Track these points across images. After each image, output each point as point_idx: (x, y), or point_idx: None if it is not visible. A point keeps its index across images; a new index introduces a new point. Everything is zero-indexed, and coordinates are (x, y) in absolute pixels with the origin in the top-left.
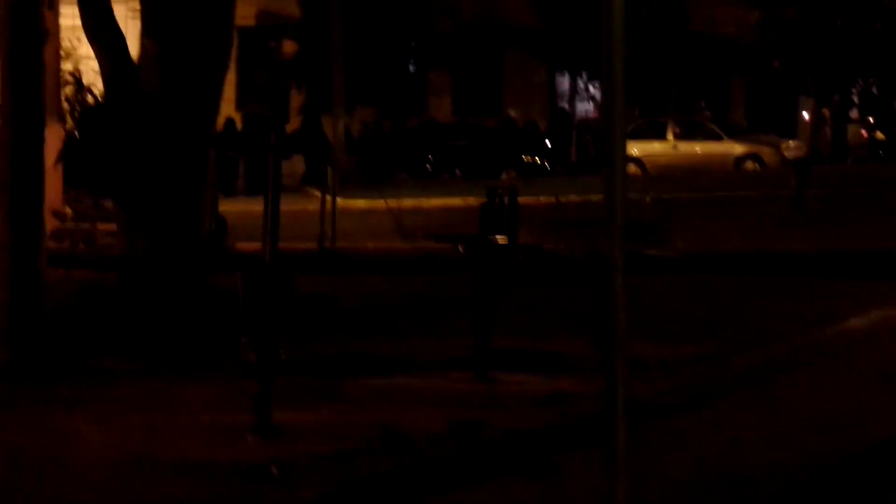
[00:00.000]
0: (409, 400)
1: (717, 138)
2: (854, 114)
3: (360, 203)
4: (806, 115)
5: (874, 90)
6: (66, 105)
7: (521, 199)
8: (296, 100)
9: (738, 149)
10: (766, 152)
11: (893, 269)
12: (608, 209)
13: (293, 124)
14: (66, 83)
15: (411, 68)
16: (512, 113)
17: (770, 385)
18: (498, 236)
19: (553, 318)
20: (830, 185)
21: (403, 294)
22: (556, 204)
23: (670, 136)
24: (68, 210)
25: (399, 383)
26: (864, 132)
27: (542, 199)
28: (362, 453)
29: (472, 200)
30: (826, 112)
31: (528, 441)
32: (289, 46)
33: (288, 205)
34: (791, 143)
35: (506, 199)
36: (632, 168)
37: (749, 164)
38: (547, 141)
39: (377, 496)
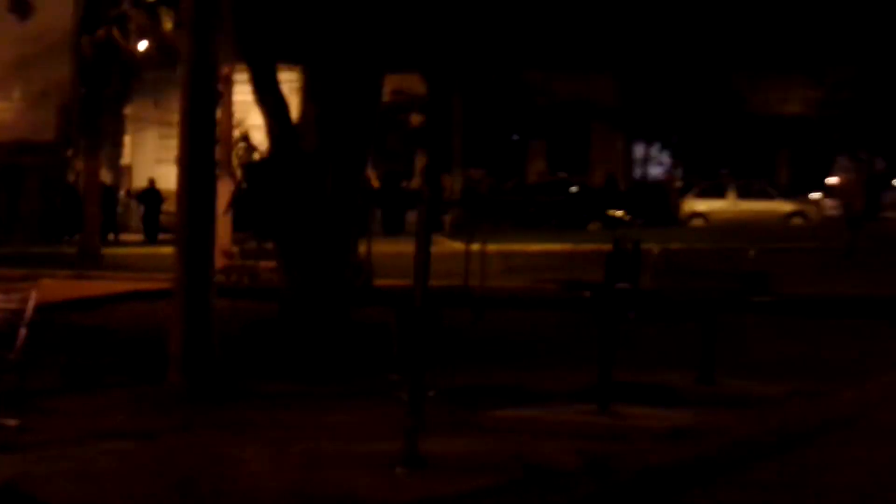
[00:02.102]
0: (539, 431)
1: (770, 197)
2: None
3: (473, 247)
4: (834, 179)
5: None
6: (236, 162)
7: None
8: (420, 161)
9: (787, 206)
10: (810, 210)
11: None
12: None
13: (416, 182)
14: (237, 144)
15: (515, 136)
16: (562, 175)
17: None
18: (621, 283)
19: (659, 353)
20: (874, 239)
21: (517, 330)
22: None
23: (731, 195)
24: (236, 249)
25: (529, 415)
26: None
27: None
28: (506, 490)
29: (567, 246)
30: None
31: (659, 477)
32: (416, 118)
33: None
34: (828, 201)
35: (629, 248)
36: (699, 221)
37: (795, 220)
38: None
39: None
